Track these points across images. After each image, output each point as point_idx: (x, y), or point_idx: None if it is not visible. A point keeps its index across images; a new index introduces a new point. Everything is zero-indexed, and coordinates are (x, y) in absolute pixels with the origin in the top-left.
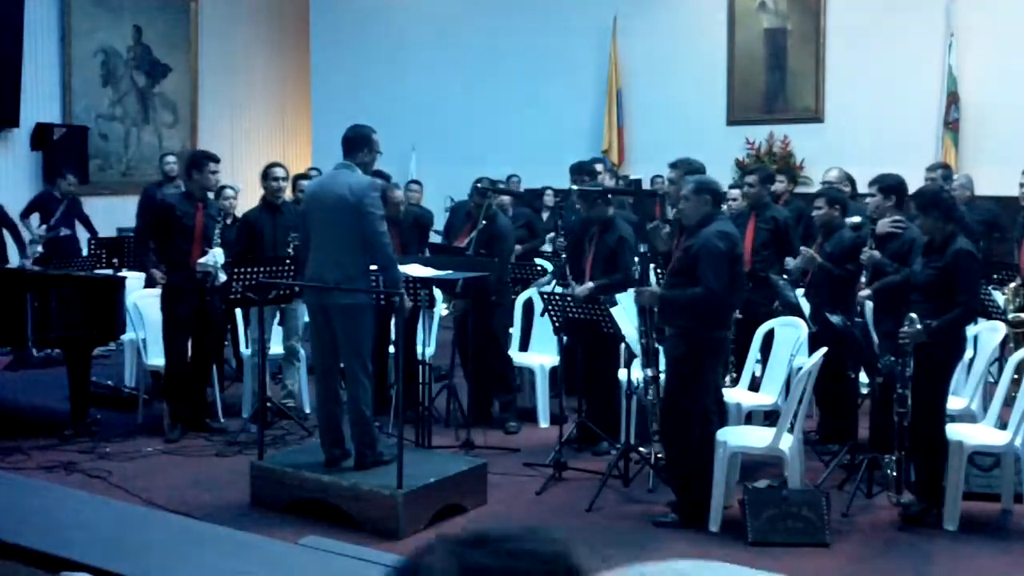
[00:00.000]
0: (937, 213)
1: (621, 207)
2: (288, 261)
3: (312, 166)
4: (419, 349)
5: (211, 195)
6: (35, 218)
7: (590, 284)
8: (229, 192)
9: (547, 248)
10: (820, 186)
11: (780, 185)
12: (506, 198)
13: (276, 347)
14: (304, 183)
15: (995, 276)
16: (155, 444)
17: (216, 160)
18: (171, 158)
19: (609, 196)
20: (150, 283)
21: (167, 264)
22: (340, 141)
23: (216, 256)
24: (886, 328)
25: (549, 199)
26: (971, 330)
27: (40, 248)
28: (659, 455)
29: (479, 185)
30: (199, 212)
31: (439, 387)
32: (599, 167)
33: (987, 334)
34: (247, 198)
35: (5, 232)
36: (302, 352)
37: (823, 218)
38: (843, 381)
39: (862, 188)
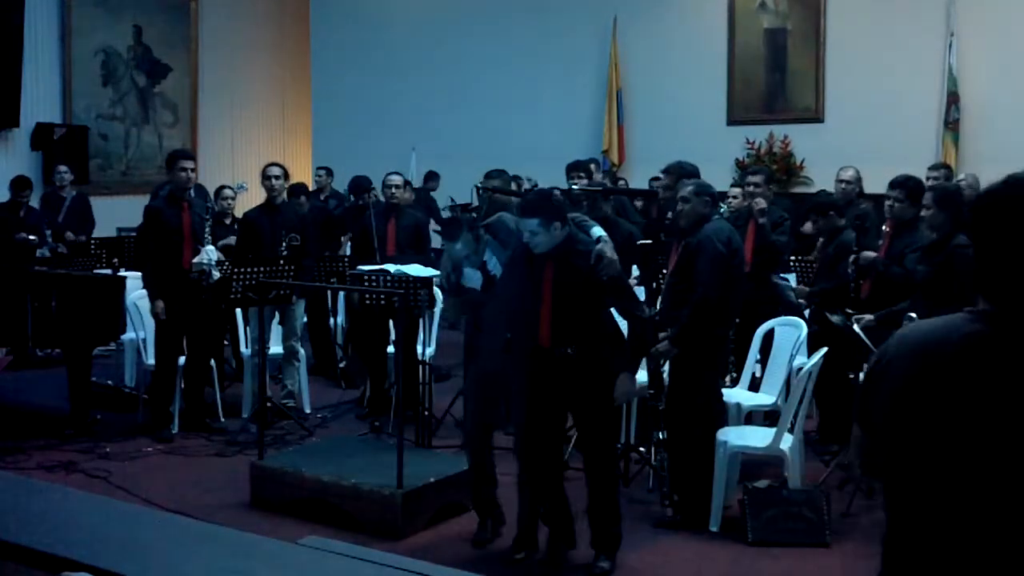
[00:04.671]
0: (952, 211)
1: (623, 208)
2: (282, 261)
3: (320, 166)
4: (419, 349)
5: (192, 193)
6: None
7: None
8: (228, 192)
9: None
10: (836, 184)
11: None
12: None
13: (276, 347)
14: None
15: None
16: (155, 444)
17: (188, 157)
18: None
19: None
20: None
21: (161, 267)
22: (340, 141)
23: (209, 254)
24: (884, 332)
25: None
26: None
27: (48, 251)
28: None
29: (479, 184)
30: (185, 212)
31: (455, 393)
32: (591, 166)
33: None
34: (253, 198)
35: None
36: (302, 352)
37: (824, 226)
38: (843, 381)
39: (870, 188)
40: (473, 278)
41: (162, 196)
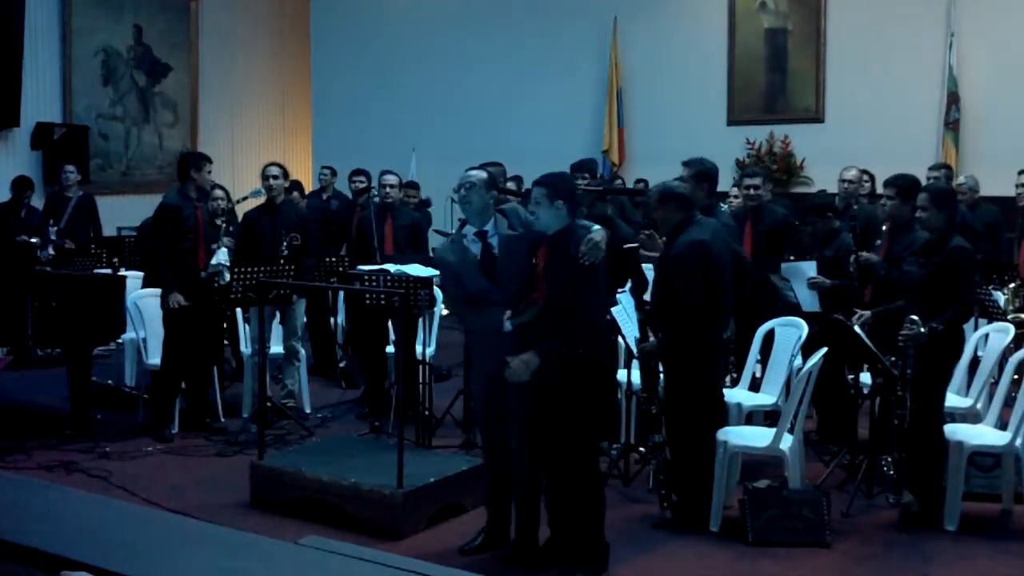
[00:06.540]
0: (949, 212)
1: (622, 209)
2: (282, 261)
3: (324, 165)
4: (419, 349)
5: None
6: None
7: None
8: (219, 193)
9: None
10: (839, 184)
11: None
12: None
13: (276, 347)
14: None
15: (994, 276)
16: (155, 444)
17: (211, 161)
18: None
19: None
20: (148, 284)
21: (176, 265)
22: (340, 141)
23: (224, 255)
24: (884, 332)
25: None
26: (980, 330)
27: (52, 251)
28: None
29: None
30: (199, 211)
31: (454, 393)
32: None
33: (996, 335)
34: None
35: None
36: (302, 352)
37: (821, 229)
38: (841, 382)
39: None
40: (473, 248)
41: (175, 194)
